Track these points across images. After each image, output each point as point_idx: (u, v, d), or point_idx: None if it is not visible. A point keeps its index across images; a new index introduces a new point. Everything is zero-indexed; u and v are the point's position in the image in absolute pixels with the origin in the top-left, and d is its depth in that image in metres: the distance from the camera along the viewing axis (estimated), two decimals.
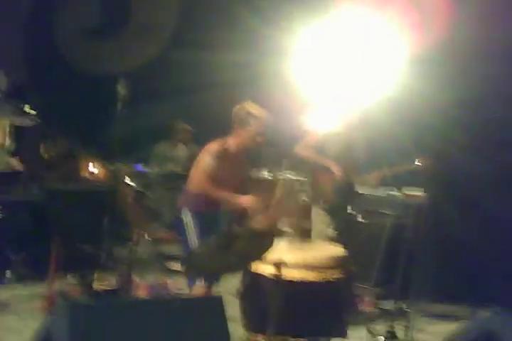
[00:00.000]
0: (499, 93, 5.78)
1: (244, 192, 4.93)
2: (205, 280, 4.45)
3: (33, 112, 3.71)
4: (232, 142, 4.74)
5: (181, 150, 8.90)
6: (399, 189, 6.36)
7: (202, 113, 8.28)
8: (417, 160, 5.76)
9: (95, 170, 7.50)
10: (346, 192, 5.95)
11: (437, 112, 6.06)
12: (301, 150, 5.95)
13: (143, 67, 8.78)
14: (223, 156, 4.64)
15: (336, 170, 5.86)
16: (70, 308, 2.93)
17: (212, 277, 4.21)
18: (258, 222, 4.68)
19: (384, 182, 6.33)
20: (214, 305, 3.38)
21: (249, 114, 4.69)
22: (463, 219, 5.84)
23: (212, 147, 4.66)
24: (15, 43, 9.04)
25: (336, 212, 5.89)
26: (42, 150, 5.54)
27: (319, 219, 5.88)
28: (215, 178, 4.63)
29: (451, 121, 5.91)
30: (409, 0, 6.20)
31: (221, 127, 4.89)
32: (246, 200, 4.60)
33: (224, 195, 4.60)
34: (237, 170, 4.81)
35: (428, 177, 5.73)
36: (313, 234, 5.89)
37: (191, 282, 4.57)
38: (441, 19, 5.95)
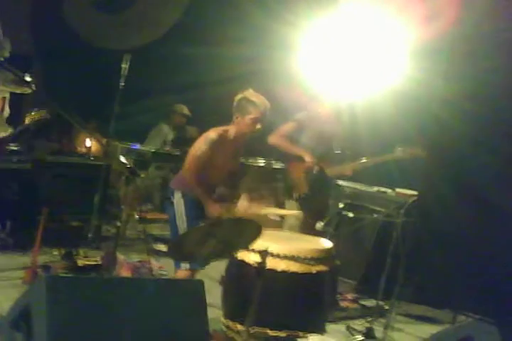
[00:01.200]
0: (508, 85, 5.74)
1: (235, 178, 5.00)
2: (189, 265, 4.45)
3: (33, 81, 3.66)
4: (231, 130, 4.75)
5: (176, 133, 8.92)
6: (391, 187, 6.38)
7: (208, 107, 8.29)
8: (398, 148, 5.74)
9: (91, 145, 7.49)
10: (320, 182, 5.92)
11: (444, 104, 6.04)
12: (274, 138, 5.93)
13: (152, 62, 8.74)
14: (220, 144, 4.65)
15: (309, 159, 5.82)
16: (49, 281, 2.91)
17: (197, 262, 4.20)
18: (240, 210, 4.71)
19: (364, 173, 6.32)
20: (194, 289, 3.37)
21: (248, 101, 4.68)
22: (464, 211, 5.81)
23: (210, 135, 4.67)
24: (21, 11, 8.98)
25: (309, 203, 5.85)
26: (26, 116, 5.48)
27: (291, 213, 5.83)
28: (208, 164, 4.65)
29: (458, 112, 5.88)
30: None
31: (227, 121, 4.89)
32: (214, 209, 4.63)
33: (201, 194, 4.64)
34: (232, 156, 4.83)
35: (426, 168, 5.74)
36: (285, 226, 5.87)
37: (177, 265, 4.56)
38: (449, 11, 5.92)
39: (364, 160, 5.98)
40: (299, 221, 5.73)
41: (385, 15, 6.62)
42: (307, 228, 5.47)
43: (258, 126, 4.70)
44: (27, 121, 5.07)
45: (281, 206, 5.99)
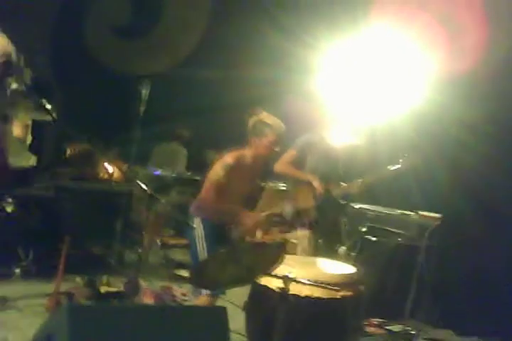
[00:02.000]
0: None
1: (254, 201, 4.96)
2: (211, 291, 4.42)
3: (53, 109, 3.68)
4: (248, 153, 4.77)
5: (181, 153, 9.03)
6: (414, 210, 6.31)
7: (227, 130, 8.30)
8: (400, 161, 5.70)
9: (112, 171, 7.51)
10: (328, 205, 5.87)
11: (465, 127, 6.00)
12: (279, 166, 5.91)
13: (169, 85, 8.78)
14: (237, 168, 4.66)
15: (316, 184, 5.79)
16: (70, 309, 2.89)
17: (219, 288, 4.18)
18: (259, 235, 4.70)
19: (385, 196, 6.27)
20: (217, 316, 3.33)
21: (264, 124, 4.71)
22: (486, 234, 5.73)
23: (227, 160, 4.69)
24: (42, 38, 9.08)
25: (320, 227, 5.81)
26: (67, 147, 5.53)
27: (303, 236, 5.80)
28: (226, 188, 4.65)
29: (479, 135, 5.84)
30: (441, 20, 6.15)
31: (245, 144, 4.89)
32: (249, 218, 4.62)
33: (229, 210, 4.68)
34: (250, 180, 4.86)
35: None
36: (297, 249, 5.81)
37: (197, 291, 4.54)
38: (473, 41, 5.89)
39: (370, 176, 5.93)
40: (312, 242, 5.71)
41: (406, 38, 6.63)
42: (325, 251, 5.45)
43: (275, 148, 4.72)
44: (69, 153, 5.13)
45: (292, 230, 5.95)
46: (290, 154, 5.95)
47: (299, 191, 6.01)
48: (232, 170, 4.63)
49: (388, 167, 5.80)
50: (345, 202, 6.11)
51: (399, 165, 5.70)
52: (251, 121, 4.79)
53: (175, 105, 8.79)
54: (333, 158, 5.94)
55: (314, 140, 5.96)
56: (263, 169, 5.04)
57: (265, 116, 4.77)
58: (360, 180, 5.87)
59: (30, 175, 5.96)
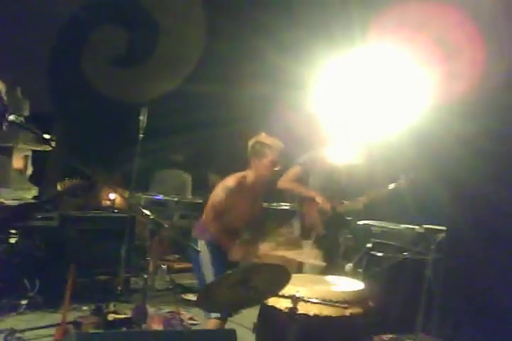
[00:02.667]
0: None
1: (258, 222, 5.02)
2: (219, 314, 4.40)
3: (53, 139, 3.68)
4: (250, 175, 4.79)
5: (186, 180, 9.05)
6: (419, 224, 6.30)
7: (223, 145, 8.32)
8: (401, 178, 5.73)
9: (115, 198, 7.52)
10: (333, 221, 5.88)
11: (461, 142, 6.01)
12: (283, 183, 5.93)
13: (165, 101, 8.80)
14: (239, 190, 4.68)
15: (321, 200, 5.81)
16: (79, 337, 2.87)
17: (228, 311, 4.16)
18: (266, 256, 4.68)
19: (384, 212, 6.29)
20: (227, 339, 3.31)
21: (263, 145, 4.75)
22: (487, 249, 5.73)
23: (229, 183, 4.71)
24: (39, 71, 9.13)
25: (326, 243, 5.80)
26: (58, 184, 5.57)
27: (309, 252, 5.81)
28: (229, 210, 4.68)
29: (475, 151, 5.85)
30: (437, 40, 6.18)
31: (242, 161, 4.91)
32: (236, 253, 4.63)
33: (222, 240, 4.66)
34: (252, 201, 4.84)
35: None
36: (305, 267, 5.82)
37: (207, 314, 4.51)
38: (470, 60, 5.91)
39: (373, 192, 5.95)
40: (320, 259, 5.70)
41: (403, 55, 6.67)
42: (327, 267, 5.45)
43: (276, 168, 4.75)
44: (59, 187, 5.17)
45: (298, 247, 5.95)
46: (294, 171, 5.99)
47: (304, 207, 6.03)
48: (233, 193, 4.65)
49: (389, 185, 5.83)
50: (350, 218, 6.13)
51: (399, 183, 5.73)
52: (250, 143, 4.82)
53: (170, 121, 8.76)
54: (336, 175, 5.98)
55: (317, 157, 5.99)
56: (265, 190, 5.03)
57: (264, 137, 4.81)
58: (361, 198, 5.90)
59: (30, 209, 5.95)
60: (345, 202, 5.98)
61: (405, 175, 5.75)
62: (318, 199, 5.83)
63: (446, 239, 5.82)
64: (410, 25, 6.39)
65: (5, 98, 3.33)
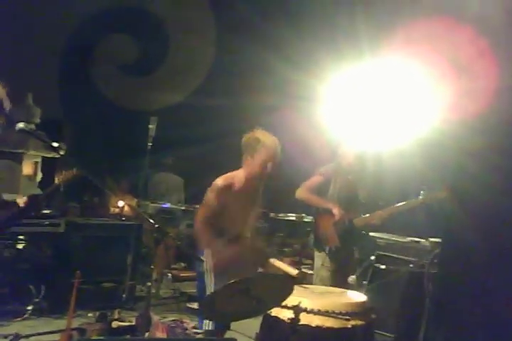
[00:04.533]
0: None
1: (253, 224, 4.80)
2: (213, 325, 4.33)
3: (61, 146, 3.73)
4: (240, 175, 4.53)
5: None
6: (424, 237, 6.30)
7: (232, 157, 8.34)
8: (421, 193, 5.69)
9: (123, 205, 7.56)
10: (349, 234, 5.86)
11: (470, 155, 6.02)
12: (302, 192, 5.89)
13: (173, 112, 8.84)
14: (229, 192, 4.43)
15: (337, 212, 5.79)
16: None
17: (229, 321, 4.14)
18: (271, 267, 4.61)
19: (394, 223, 6.27)
20: None
21: (258, 141, 4.43)
22: (491, 262, 5.72)
23: (217, 182, 4.46)
24: (49, 79, 9.20)
25: (340, 256, 5.79)
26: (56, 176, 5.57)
27: (321, 264, 5.81)
28: (224, 213, 4.47)
29: (484, 164, 5.85)
30: (450, 59, 6.19)
31: None
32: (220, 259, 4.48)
33: (210, 244, 4.48)
34: (247, 204, 4.59)
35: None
36: (314, 278, 5.84)
37: (200, 326, 4.42)
38: (483, 82, 5.92)
39: (392, 207, 5.92)
40: (330, 272, 5.70)
41: (412, 68, 6.69)
42: (338, 281, 5.44)
43: (269, 169, 4.44)
44: (57, 180, 5.17)
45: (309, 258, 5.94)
46: (315, 180, 5.92)
47: (320, 218, 6.02)
48: (222, 192, 4.40)
49: (411, 199, 5.78)
50: (365, 232, 6.11)
51: (421, 197, 5.67)
52: (245, 138, 4.54)
53: (178, 133, 8.80)
54: (354, 187, 5.96)
55: (338, 169, 5.97)
56: (258, 192, 4.72)
57: (259, 132, 4.50)
58: (380, 212, 5.86)
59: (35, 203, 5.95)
60: (364, 215, 5.96)
61: (429, 191, 5.67)
62: (335, 211, 5.79)
63: (445, 252, 5.82)
64: (419, 39, 6.41)
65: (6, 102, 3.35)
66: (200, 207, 4.63)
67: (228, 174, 4.55)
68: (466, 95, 5.82)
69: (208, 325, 4.36)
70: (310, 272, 6.25)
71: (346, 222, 5.81)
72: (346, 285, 5.28)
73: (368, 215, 5.91)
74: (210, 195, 4.46)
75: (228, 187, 4.44)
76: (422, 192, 5.69)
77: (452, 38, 6.13)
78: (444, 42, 6.13)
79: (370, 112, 7.14)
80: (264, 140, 4.44)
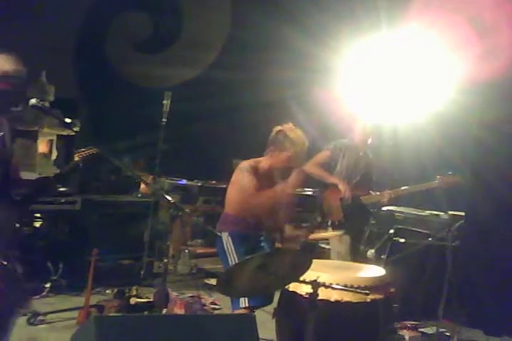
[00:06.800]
0: None
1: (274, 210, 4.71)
2: (248, 302, 4.30)
3: (75, 123, 3.69)
4: (264, 162, 4.55)
5: None
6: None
7: (249, 132, 8.26)
8: (437, 177, 5.60)
9: (139, 183, 7.53)
10: (355, 210, 5.81)
11: (484, 127, 5.94)
12: (309, 167, 5.83)
13: (189, 87, 8.76)
14: (255, 173, 4.45)
15: (342, 187, 5.74)
16: (97, 321, 2.87)
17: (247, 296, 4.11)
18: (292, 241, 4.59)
19: (408, 198, 6.21)
20: (247, 324, 3.30)
21: (286, 137, 4.46)
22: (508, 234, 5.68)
23: (244, 164, 4.49)
24: (64, 56, 9.14)
25: (349, 230, 5.75)
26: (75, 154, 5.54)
27: (336, 239, 5.78)
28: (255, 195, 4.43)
29: (498, 135, 5.77)
30: (470, 20, 6.06)
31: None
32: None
33: (273, 194, 4.44)
34: (265, 187, 4.51)
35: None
36: (332, 253, 5.87)
37: (235, 305, 4.38)
38: (503, 40, 5.79)
39: (402, 189, 5.85)
40: (346, 246, 5.68)
41: (431, 39, 6.57)
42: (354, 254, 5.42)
43: (291, 165, 4.49)
44: (76, 158, 5.15)
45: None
46: (324, 155, 5.93)
47: (326, 193, 5.99)
48: (252, 173, 4.42)
49: (424, 183, 5.70)
50: (374, 210, 6.07)
51: (436, 182, 5.59)
52: (274, 130, 4.57)
53: (195, 107, 8.72)
54: (364, 165, 5.92)
55: (349, 145, 5.92)
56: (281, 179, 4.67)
57: (290, 129, 4.51)
58: (389, 191, 5.81)
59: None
60: (372, 193, 5.92)
61: (445, 175, 5.59)
62: (341, 186, 5.78)
63: (467, 225, 5.76)
64: (442, 4, 6.28)
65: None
66: (231, 194, 4.58)
67: (251, 159, 4.57)
68: (491, 54, 5.70)
69: (244, 302, 4.31)
70: (328, 247, 6.23)
71: (353, 199, 5.78)
72: (358, 258, 5.26)
73: (377, 193, 5.88)
74: (245, 176, 4.43)
75: (254, 168, 4.47)
76: (437, 176, 5.60)
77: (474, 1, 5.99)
78: (465, 3, 6.00)
79: (387, 85, 7.06)
80: (293, 138, 4.45)
